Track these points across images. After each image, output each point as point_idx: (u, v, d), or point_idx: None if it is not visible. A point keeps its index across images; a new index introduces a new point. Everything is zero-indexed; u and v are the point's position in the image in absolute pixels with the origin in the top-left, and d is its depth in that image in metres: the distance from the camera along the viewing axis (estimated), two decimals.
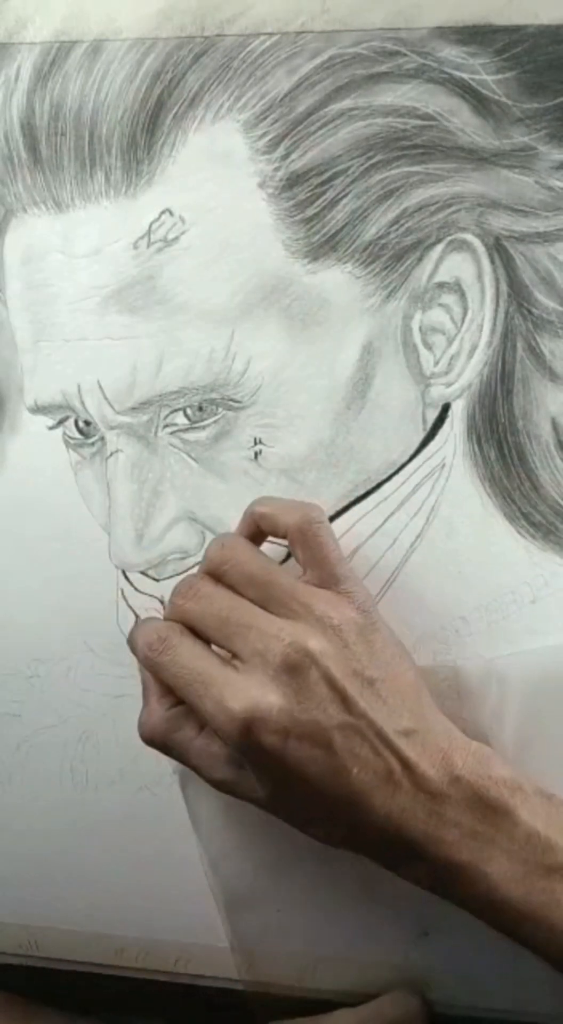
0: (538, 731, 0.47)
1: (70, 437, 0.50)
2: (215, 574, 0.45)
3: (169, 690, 0.45)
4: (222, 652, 0.44)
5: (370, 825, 0.42)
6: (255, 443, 0.48)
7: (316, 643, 0.42)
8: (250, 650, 0.42)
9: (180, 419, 0.48)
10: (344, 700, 0.42)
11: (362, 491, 0.48)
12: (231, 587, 0.44)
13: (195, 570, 0.49)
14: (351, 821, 0.42)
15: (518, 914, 0.41)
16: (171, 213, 0.47)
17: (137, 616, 0.51)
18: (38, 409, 0.50)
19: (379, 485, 0.48)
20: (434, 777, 0.42)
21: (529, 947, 0.42)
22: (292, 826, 0.45)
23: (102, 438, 0.49)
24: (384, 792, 0.41)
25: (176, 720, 0.45)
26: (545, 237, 0.45)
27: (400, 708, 0.43)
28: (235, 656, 0.43)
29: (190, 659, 0.43)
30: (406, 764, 0.42)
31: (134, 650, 0.46)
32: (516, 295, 0.46)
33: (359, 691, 0.42)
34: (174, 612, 0.45)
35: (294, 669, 0.41)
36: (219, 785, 0.45)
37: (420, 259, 0.46)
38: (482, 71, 0.44)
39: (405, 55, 0.44)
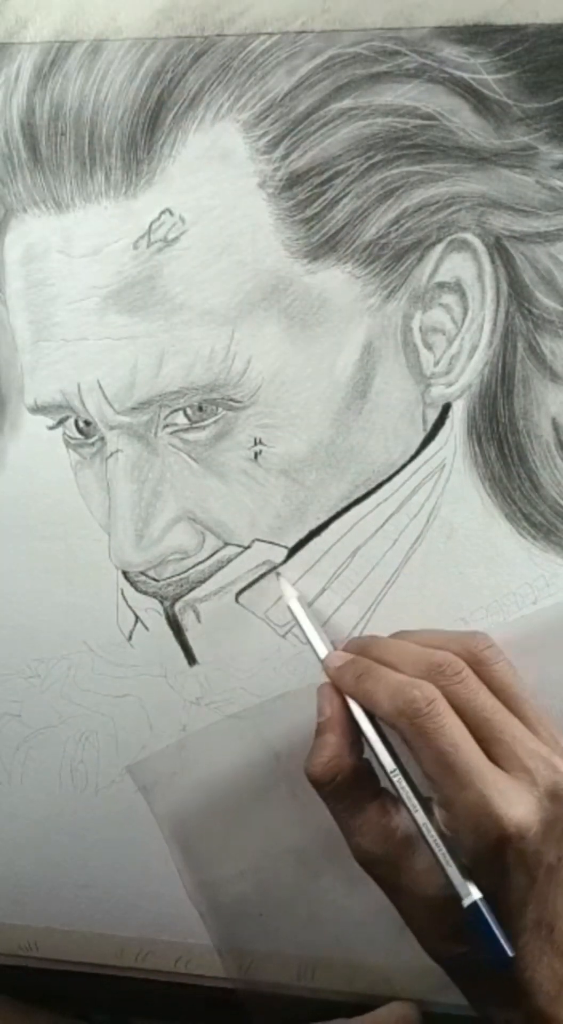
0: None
1: (70, 437, 0.50)
2: (472, 666, 0.43)
3: (358, 738, 0.44)
4: None
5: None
6: (255, 443, 0.48)
7: None
8: (517, 763, 0.41)
9: (180, 419, 0.48)
10: (561, 842, 0.41)
11: (362, 491, 0.48)
12: (487, 685, 0.43)
13: (191, 567, 0.49)
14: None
15: None
16: (171, 213, 0.47)
17: (137, 616, 0.51)
18: (38, 409, 0.50)
19: (379, 485, 0.48)
20: (559, 932, 0.42)
21: None
22: (411, 926, 0.44)
23: (102, 438, 0.49)
24: (529, 935, 0.41)
25: (362, 775, 0.44)
26: (546, 237, 0.45)
27: None
28: (491, 759, 0.41)
29: (458, 739, 0.41)
30: (556, 914, 0.41)
31: (371, 698, 0.43)
32: (517, 295, 0.46)
33: None
34: (439, 687, 0.42)
35: (556, 799, 0.41)
36: (369, 858, 0.43)
37: (420, 259, 0.46)
38: (482, 71, 0.44)
39: (405, 55, 0.44)
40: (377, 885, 0.44)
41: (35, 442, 0.51)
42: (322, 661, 0.46)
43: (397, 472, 0.48)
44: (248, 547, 0.49)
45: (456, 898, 0.41)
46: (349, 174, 0.45)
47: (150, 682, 0.50)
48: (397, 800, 0.43)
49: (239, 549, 0.49)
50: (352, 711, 0.44)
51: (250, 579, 0.49)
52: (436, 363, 0.47)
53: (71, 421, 0.50)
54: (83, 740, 0.52)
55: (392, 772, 0.43)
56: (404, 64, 0.44)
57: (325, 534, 0.48)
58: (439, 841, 0.41)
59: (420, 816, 0.42)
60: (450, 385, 0.47)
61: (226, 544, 0.49)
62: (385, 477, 0.48)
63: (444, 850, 0.41)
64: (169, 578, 0.50)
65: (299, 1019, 0.50)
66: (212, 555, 0.49)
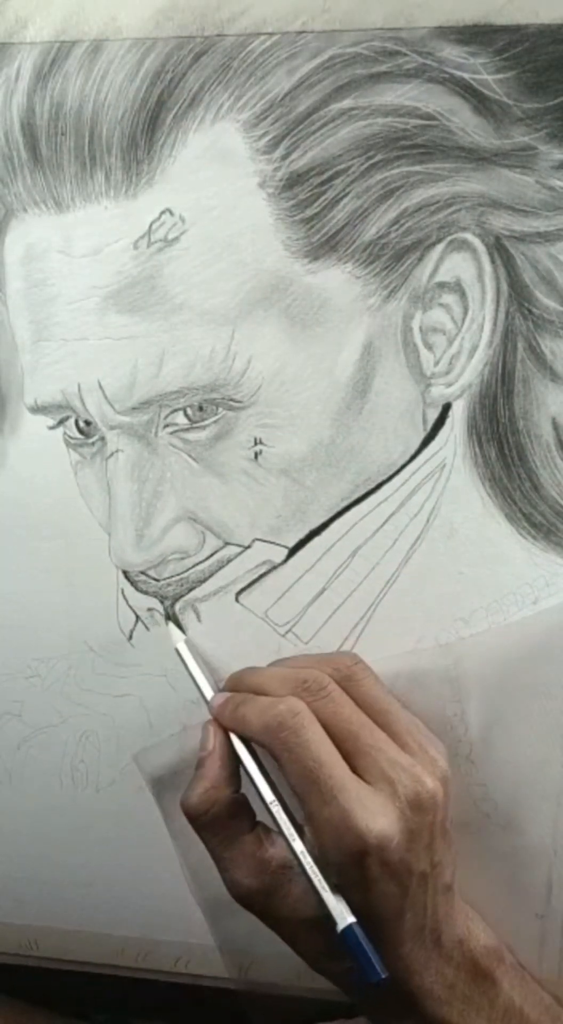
0: (498, 711, 0.47)
1: (70, 437, 0.50)
2: (340, 683, 0.45)
3: (235, 774, 0.45)
4: None
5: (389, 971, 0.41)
6: (255, 443, 0.48)
7: (435, 787, 0.42)
8: (379, 774, 0.42)
9: (180, 419, 0.48)
10: (430, 849, 0.42)
11: (362, 491, 0.48)
12: (355, 701, 0.44)
13: (191, 567, 0.49)
14: None
15: None
16: (171, 213, 0.47)
17: (137, 616, 0.51)
18: (38, 409, 0.50)
19: (379, 485, 0.48)
20: (447, 937, 0.43)
21: None
22: (299, 952, 0.44)
23: (102, 438, 0.49)
24: (412, 943, 0.42)
25: (238, 807, 0.45)
26: (546, 237, 0.45)
27: (448, 864, 0.44)
28: (355, 772, 0.42)
29: (323, 754, 0.42)
30: (436, 921, 0.43)
31: (244, 721, 0.44)
32: (517, 295, 0.46)
33: (439, 842, 0.43)
34: (305, 704, 0.43)
35: (418, 808, 0.42)
36: (245, 891, 0.44)
37: (420, 259, 0.46)
38: (483, 71, 0.44)
39: (405, 55, 0.44)
40: (252, 912, 0.44)
41: (35, 442, 0.51)
42: (208, 702, 0.47)
43: (397, 472, 0.48)
44: (248, 547, 0.49)
45: (332, 921, 0.41)
46: (349, 174, 0.45)
47: (150, 682, 0.50)
48: (271, 832, 0.44)
49: (239, 549, 0.49)
50: (233, 745, 0.45)
51: (250, 579, 0.49)
52: (436, 363, 0.47)
53: (71, 421, 0.50)
54: (83, 740, 0.52)
55: (270, 802, 0.44)
56: (404, 64, 0.44)
57: (325, 534, 0.48)
58: (314, 866, 0.42)
59: (297, 844, 0.42)
60: (450, 385, 0.47)
61: (226, 544, 0.49)
62: (385, 477, 0.48)
63: (319, 875, 0.41)
64: (169, 578, 0.50)
65: (299, 1019, 0.50)
66: (212, 555, 0.49)
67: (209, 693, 0.47)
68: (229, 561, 0.49)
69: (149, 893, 0.52)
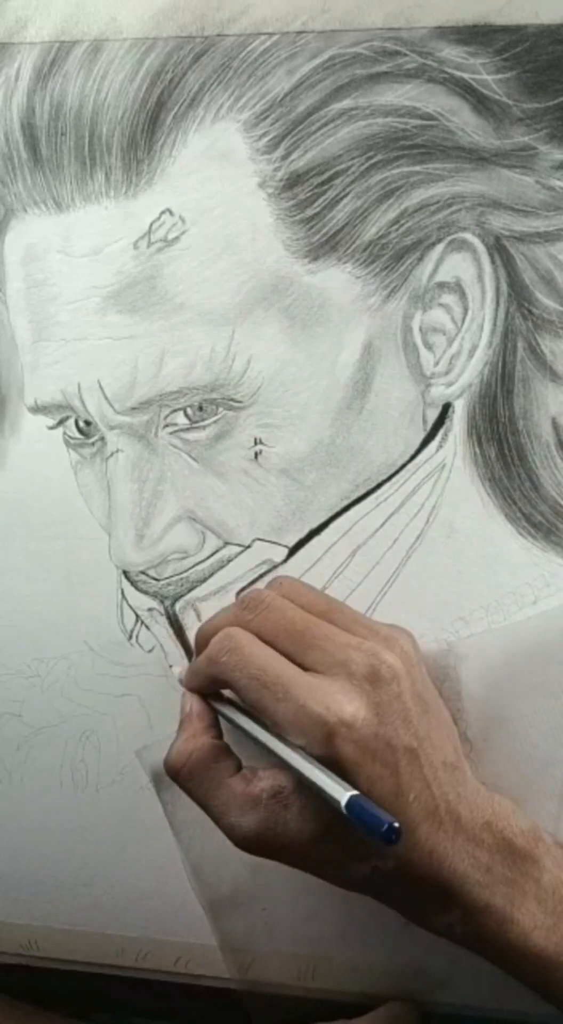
0: (500, 710, 0.47)
1: (70, 437, 0.50)
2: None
3: (213, 725, 0.45)
4: None
5: (412, 862, 0.41)
6: (255, 443, 0.48)
7: (393, 659, 0.42)
8: (330, 660, 0.42)
9: (180, 419, 0.48)
10: (410, 722, 0.41)
11: (362, 491, 0.48)
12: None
13: (192, 566, 0.49)
14: (396, 854, 0.41)
15: (549, 964, 0.41)
16: (171, 213, 0.47)
17: (138, 616, 0.51)
18: (38, 409, 0.50)
19: (379, 485, 0.48)
20: (469, 819, 0.42)
21: (556, 1001, 0.41)
22: (322, 874, 0.43)
23: (102, 438, 0.49)
24: (429, 826, 0.41)
25: (218, 752, 0.44)
26: (545, 237, 0.45)
27: (445, 741, 0.43)
28: (307, 668, 0.42)
29: (266, 660, 0.42)
30: (448, 800, 0.42)
31: (193, 669, 0.45)
32: (516, 295, 0.46)
33: (420, 715, 0.42)
34: (242, 623, 0.44)
35: (377, 680, 0.41)
36: (245, 832, 0.42)
37: (420, 259, 0.46)
38: (482, 71, 0.44)
39: (405, 55, 0.44)
40: (264, 857, 0.43)
41: (35, 442, 0.51)
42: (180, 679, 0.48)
43: (397, 472, 0.48)
44: (249, 546, 0.49)
45: (337, 813, 0.39)
46: (349, 174, 0.45)
47: (151, 681, 0.50)
48: (256, 770, 0.43)
49: (239, 548, 0.49)
50: (209, 703, 0.46)
51: (250, 578, 0.49)
52: (436, 363, 0.47)
53: (71, 421, 0.50)
54: (83, 739, 0.52)
55: (243, 722, 0.43)
56: (404, 64, 0.44)
57: (325, 533, 0.48)
58: (301, 760, 0.40)
59: (279, 746, 0.41)
60: (450, 385, 0.47)
61: (226, 543, 0.49)
62: (385, 477, 0.48)
63: (306, 763, 0.40)
64: (169, 577, 0.50)
65: (299, 1019, 0.50)
66: (213, 554, 0.49)
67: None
68: (229, 561, 0.49)
69: (149, 893, 0.52)
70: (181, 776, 0.44)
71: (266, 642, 0.43)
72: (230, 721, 0.45)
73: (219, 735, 0.45)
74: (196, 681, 0.46)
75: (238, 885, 0.50)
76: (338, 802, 0.38)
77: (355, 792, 0.39)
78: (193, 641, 0.48)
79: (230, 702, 0.45)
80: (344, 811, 0.38)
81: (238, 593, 0.49)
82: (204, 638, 0.46)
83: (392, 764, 0.40)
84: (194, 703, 0.46)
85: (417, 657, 0.44)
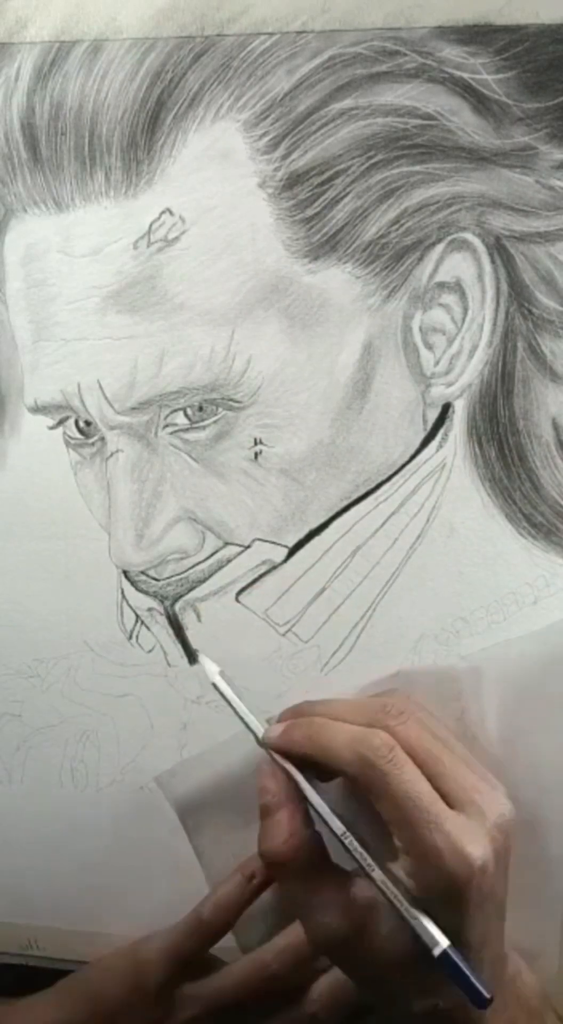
0: (520, 722, 0.47)
1: (70, 437, 0.50)
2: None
3: (307, 813, 0.43)
4: None
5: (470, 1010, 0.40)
6: (255, 443, 0.48)
7: (512, 811, 0.42)
8: (465, 799, 0.41)
9: (180, 419, 0.48)
10: (507, 876, 0.42)
11: (362, 491, 0.48)
12: None
13: (192, 566, 0.49)
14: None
15: None
16: (171, 213, 0.47)
17: (138, 616, 0.51)
18: (38, 409, 0.50)
19: (379, 485, 0.48)
20: (508, 971, 0.43)
21: None
22: (382, 992, 0.43)
23: (102, 438, 0.49)
24: (489, 974, 0.41)
25: (319, 847, 0.43)
26: (545, 237, 0.45)
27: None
28: (442, 796, 0.41)
29: (422, 783, 0.40)
30: (503, 950, 0.42)
31: (328, 749, 0.42)
32: (517, 295, 0.46)
33: (509, 870, 0.42)
34: (383, 727, 0.42)
35: (504, 831, 0.41)
36: (331, 934, 0.41)
37: (420, 259, 0.46)
38: (482, 71, 0.44)
39: (405, 55, 0.44)
40: (336, 964, 0.43)
41: (35, 442, 0.51)
42: (259, 738, 0.44)
43: (397, 472, 0.48)
44: (248, 546, 0.49)
45: (425, 951, 0.40)
46: (349, 174, 0.45)
47: (151, 681, 0.50)
48: (349, 871, 0.42)
49: (239, 548, 0.49)
50: (297, 783, 0.43)
51: (250, 578, 0.49)
52: (436, 363, 0.47)
53: (71, 421, 0.50)
54: (83, 739, 0.52)
55: (343, 835, 0.42)
56: (404, 64, 0.44)
57: (325, 533, 0.48)
58: (399, 895, 0.40)
59: (378, 874, 0.41)
60: (450, 385, 0.47)
61: (226, 543, 0.49)
62: (385, 477, 0.48)
63: (405, 903, 0.40)
64: (169, 577, 0.50)
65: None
66: (212, 554, 0.49)
67: (258, 727, 0.45)
68: (229, 561, 0.49)
69: (150, 893, 0.52)
70: (286, 872, 0.43)
71: (410, 756, 0.41)
72: (326, 825, 0.42)
73: (313, 823, 0.43)
74: (311, 751, 0.43)
75: (258, 906, 0.50)
76: (431, 948, 0.39)
77: (449, 944, 0.39)
78: (295, 708, 0.45)
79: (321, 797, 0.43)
80: (435, 959, 0.39)
81: (238, 594, 0.49)
82: (305, 714, 0.44)
83: (488, 914, 0.41)
84: (284, 784, 0.43)
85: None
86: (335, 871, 0.42)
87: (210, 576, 0.49)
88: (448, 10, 0.44)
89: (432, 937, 0.40)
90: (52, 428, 0.50)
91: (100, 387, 0.48)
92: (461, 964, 0.39)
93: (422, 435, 0.48)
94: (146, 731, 0.51)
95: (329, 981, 0.47)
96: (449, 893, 0.39)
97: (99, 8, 0.47)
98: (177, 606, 0.50)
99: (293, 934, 0.47)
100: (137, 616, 0.51)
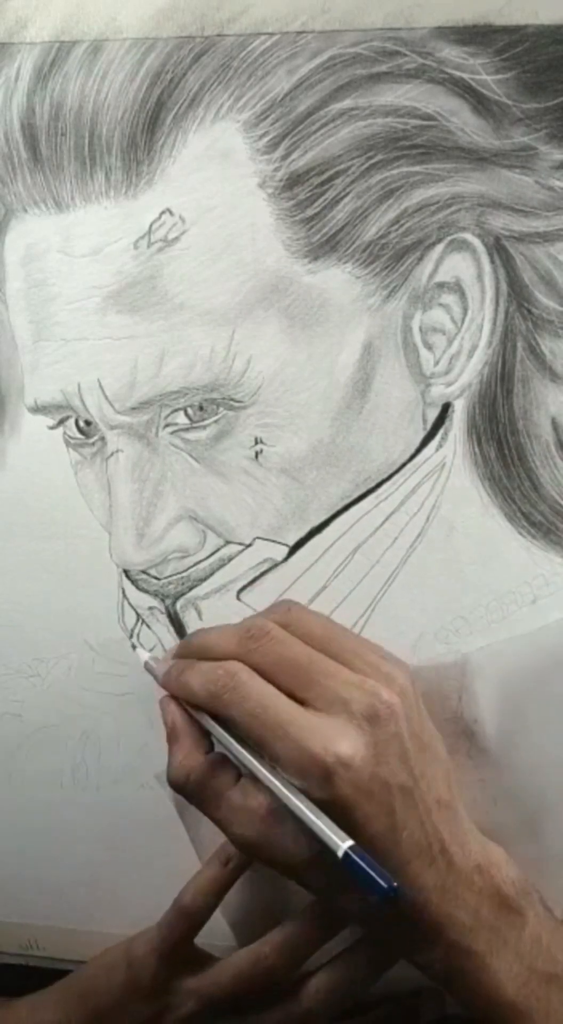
0: (519, 721, 0.47)
1: (70, 437, 0.50)
2: (281, 625, 0.44)
3: (204, 735, 0.45)
4: None
5: (401, 899, 0.40)
6: (256, 443, 0.48)
7: (392, 698, 0.42)
8: (330, 697, 0.41)
9: (181, 419, 0.48)
10: (406, 761, 0.41)
11: (362, 491, 0.48)
12: (300, 640, 0.44)
13: (192, 565, 0.49)
14: None
15: (517, 1016, 0.41)
16: (171, 213, 0.47)
17: (138, 616, 0.51)
18: (38, 409, 0.50)
19: (379, 484, 0.48)
20: (461, 860, 0.42)
21: None
22: (314, 894, 0.44)
23: (102, 438, 0.49)
24: (420, 864, 0.41)
25: (215, 766, 0.44)
26: (545, 237, 0.45)
27: (440, 779, 0.43)
28: (308, 704, 0.42)
29: (264, 697, 0.42)
30: (441, 839, 0.42)
31: (188, 689, 0.44)
32: (516, 295, 0.46)
33: (417, 754, 0.42)
34: (243, 653, 0.44)
35: (376, 720, 0.41)
36: (244, 843, 0.43)
37: (420, 259, 0.46)
38: (482, 71, 0.44)
39: (405, 55, 0.44)
40: (263, 864, 0.44)
41: (35, 442, 0.51)
42: (154, 674, 0.47)
43: (397, 471, 0.48)
44: (249, 545, 0.49)
45: (329, 850, 0.39)
46: (349, 174, 0.45)
47: (151, 681, 0.50)
48: (256, 781, 0.43)
49: (240, 547, 0.49)
50: (187, 710, 0.45)
51: (251, 577, 0.49)
52: (436, 363, 0.47)
53: (71, 421, 0.50)
54: (84, 739, 0.52)
55: (237, 750, 0.43)
56: (404, 64, 0.44)
57: (325, 532, 0.48)
58: (293, 799, 0.40)
59: (271, 781, 0.41)
60: (450, 385, 0.47)
61: (227, 542, 0.49)
62: (385, 476, 0.48)
63: (303, 808, 0.40)
64: (170, 576, 0.50)
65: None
66: (213, 553, 0.49)
67: (157, 667, 0.48)
68: (230, 559, 0.49)
69: (150, 892, 0.52)
70: (185, 793, 0.45)
71: (266, 676, 0.43)
72: (223, 745, 0.44)
73: (211, 745, 0.45)
74: (181, 693, 0.45)
75: (256, 903, 0.50)
76: (335, 853, 0.39)
77: (352, 843, 0.39)
78: (184, 642, 0.48)
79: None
80: (341, 862, 0.39)
81: (239, 592, 0.49)
82: (200, 648, 0.46)
83: (387, 803, 0.41)
84: (178, 717, 0.45)
85: (415, 693, 0.44)
86: (240, 783, 0.43)
87: (211, 575, 0.49)
88: (448, 10, 0.44)
89: (331, 839, 0.39)
90: (52, 428, 0.50)
91: (100, 387, 0.48)
92: (360, 861, 0.38)
93: (422, 435, 0.48)
94: (146, 731, 0.51)
95: (326, 976, 0.47)
96: (318, 796, 0.40)
97: (99, 8, 0.47)
98: (178, 605, 0.50)
99: (290, 928, 0.47)
100: (138, 615, 0.51)
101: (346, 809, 0.40)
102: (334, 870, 0.40)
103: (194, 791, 0.44)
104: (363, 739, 0.40)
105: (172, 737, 0.45)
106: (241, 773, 0.44)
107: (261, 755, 0.42)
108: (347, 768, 0.40)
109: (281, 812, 0.42)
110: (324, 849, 0.40)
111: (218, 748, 0.45)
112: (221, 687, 0.42)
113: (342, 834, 0.39)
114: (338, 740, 0.40)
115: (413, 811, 0.41)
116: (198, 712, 0.45)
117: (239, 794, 0.43)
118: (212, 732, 0.44)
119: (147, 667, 0.48)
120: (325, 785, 0.40)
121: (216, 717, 0.44)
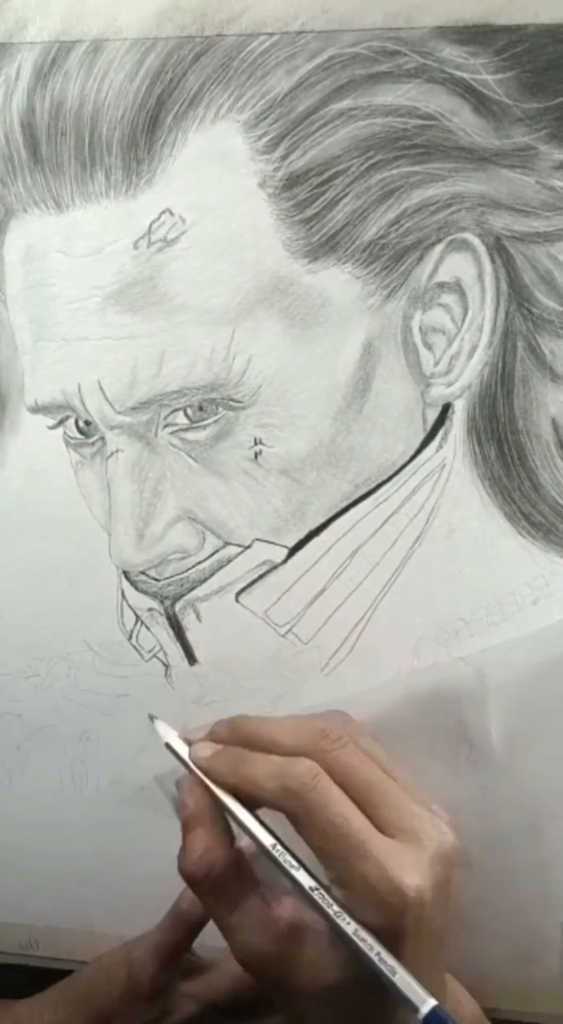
0: (521, 724, 0.47)
1: (70, 437, 0.50)
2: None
3: (227, 829, 0.42)
4: None
5: None
6: (255, 443, 0.48)
7: (453, 840, 0.41)
8: (402, 826, 0.40)
9: (180, 419, 0.48)
10: (447, 907, 0.40)
11: (362, 491, 0.48)
12: None
13: (192, 566, 0.49)
14: None
15: None
16: (171, 213, 0.47)
17: (138, 616, 0.51)
18: (38, 409, 0.50)
19: (379, 485, 0.48)
20: (446, 1001, 0.41)
21: None
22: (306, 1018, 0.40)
23: (102, 438, 0.49)
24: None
25: (239, 866, 0.41)
26: (545, 237, 0.45)
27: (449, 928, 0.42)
28: (374, 824, 0.39)
29: (346, 808, 0.39)
30: (442, 988, 0.41)
31: (252, 782, 0.40)
32: (516, 295, 0.46)
33: (451, 901, 0.41)
34: (317, 752, 0.40)
35: (444, 862, 0.40)
36: (254, 956, 0.40)
37: (420, 259, 0.46)
38: (482, 71, 0.44)
39: (405, 55, 0.44)
40: (262, 985, 0.41)
41: (35, 442, 0.51)
42: (182, 758, 0.43)
43: (397, 472, 0.48)
44: (248, 547, 0.49)
45: (358, 980, 0.38)
46: (349, 174, 0.45)
47: (150, 682, 0.50)
48: (276, 890, 0.40)
49: (239, 549, 0.49)
50: (220, 799, 0.42)
51: (250, 579, 0.49)
52: (436, 363, 0.47)
53: (71, 421, 0.50)
54: (83, 739, 0.52)
55: (273, 847, 0.40)
56: (404, 64, 0.44)
57: (325, 534, 0.48)
58: (361, 930, 0.38)
59: (325, 901, 0.39)
60: (450, 385, 0.47)
61: (226, 544, 0.49)
62: (385, 477, 0.48)
63: (381, 951, 0.38)
64: (170, 577, 0.50)
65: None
66: (212, 554, 0.49)
67: (183, 748, 0.44)
68: (229, 561, 0.49)
69: (150, 892, 0.52)
70: (201, 890, 0.41)
71: (338, 784, 0.40)
72: (261, 848, 0.41)
73: (233, 839, 0.42)
74: (238, 784, 0.41)
75: None
76: (416, 1009, 0.37)
77: (436, 1003, 0.37)
78: (226, 728, 0.44)
79: (251, 814, 0.41)
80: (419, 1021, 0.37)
81: (237, 594, 0.49)
82: (256, 738, 0.42)
83: (428, 945, 0.39)
84: (202, 800, 0.42)
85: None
86: (260, 890, 0.41)
87: (210, 576, 0.49)
88: (448, 10, 0.44)
89: (418, 994, 0.37)
90: (52, 428, 0.50)
91: (100, 387, 0.48)
92: (441, 1015, 0.37)
93: (422, 435, 0.48)
94: (146, 731, 0.51)
95: None
96: (383, 926, 0.38)
97: (99, 8, 0.47)
98: (177, 606, 0.50)
99: None
100: (137, 616, 0.51)
101: (399, 941, 0.38)
102: (351, 999, 0.38)
103: (211, 888, 0.41)
104: (433, 878, 0.39)
105: (193, 823, 0.42)
106: (258, 881, 0.41)
107: (297, 864, 0.40)
108: (421, 905, 0.38)
109: (305, 934, 0.39)
110: (347, 979, 0.38)
111: (237, 844, 0.42)
112: (301, 785, 0.39)
113: (426, 992, 0.37)
114: (414, 872, 0.38)
115: (436, 954, 0.40)
116: (231, 803, 0.41)
117: (258, 902, 0.40)
118: (249, 828, 0.41)
119: (169, 748, 0.44)
120: (394, 915, 0.38)
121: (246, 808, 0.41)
